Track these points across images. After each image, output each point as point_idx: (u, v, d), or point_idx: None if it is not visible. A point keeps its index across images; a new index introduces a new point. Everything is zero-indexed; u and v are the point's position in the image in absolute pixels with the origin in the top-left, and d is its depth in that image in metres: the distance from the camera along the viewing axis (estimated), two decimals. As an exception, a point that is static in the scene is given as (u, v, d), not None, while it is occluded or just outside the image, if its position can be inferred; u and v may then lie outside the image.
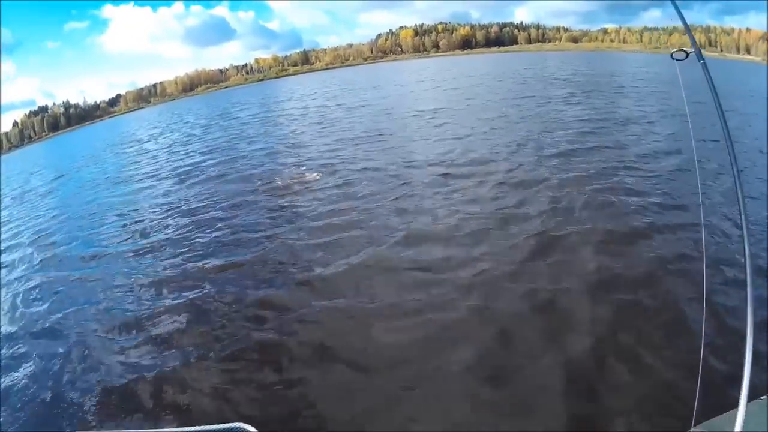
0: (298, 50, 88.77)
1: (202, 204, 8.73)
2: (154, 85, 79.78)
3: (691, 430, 1.77)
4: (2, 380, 4.25)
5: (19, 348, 4.81)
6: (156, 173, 13.07)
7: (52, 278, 6.57)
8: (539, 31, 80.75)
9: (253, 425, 2.01)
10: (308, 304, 4.57)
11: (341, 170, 9.41)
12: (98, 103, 75.43)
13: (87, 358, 4.34)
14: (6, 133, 65.18)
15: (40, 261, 7.52)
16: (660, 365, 3.24)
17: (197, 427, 2.10)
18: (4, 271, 7.55)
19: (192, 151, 15.52)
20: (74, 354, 4.45)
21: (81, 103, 73.25)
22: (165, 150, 17.65)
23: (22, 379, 4.23)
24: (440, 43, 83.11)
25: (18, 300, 6.09)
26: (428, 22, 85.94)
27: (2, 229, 10.63)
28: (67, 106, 71.27)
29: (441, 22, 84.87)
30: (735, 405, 1.38)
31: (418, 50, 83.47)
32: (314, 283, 5.01)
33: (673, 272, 4.43)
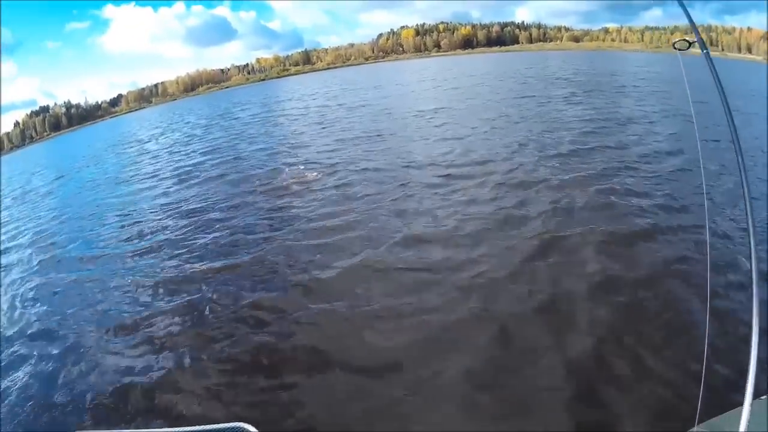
0: (299, 50, 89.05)
1: (202, 205, 8.72)
2: (156, 85, 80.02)
3: (693, 429, 1.76)
4: (1, 381, 4.25)
5: (18, 349, 4.81)
6: (156, 174, 13.08)
7: (51, 279, 6.57)
8: (540, 30, 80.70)
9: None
10: (306, 307, 4.55)
11: (341, 171, 9.38)
12: (100, 103, 75.73)
13: (85, 359, 4.34)
14: (8, 133, 65.39)
15: (39, 262, 7.53)
16: (662, 366, 3.22)
17: (197, 427, 2.09)
18: (3, 271, 7.55)
19: (192, 152, 15.53)
20: (73, 355, 4.45)
21: (82, 103, 73.52)
22: (166, 150, 17.67)
23: (22, 379, 4.23)
24: (441, 43, 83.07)
25: (17, 301, 6.09)
26: (429, 21, 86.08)
27: (3, 230, 10.64)
28: (68, 106, 71.53)
29: (442, 22, 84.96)
30: (736, 405, 1.36)
31: (420, 50, 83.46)
32: (312, 285, 4.98)
33: (675, 273, 4.41)
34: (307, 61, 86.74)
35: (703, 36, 1.96)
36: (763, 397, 1.73)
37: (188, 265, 5.96)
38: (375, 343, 3.88)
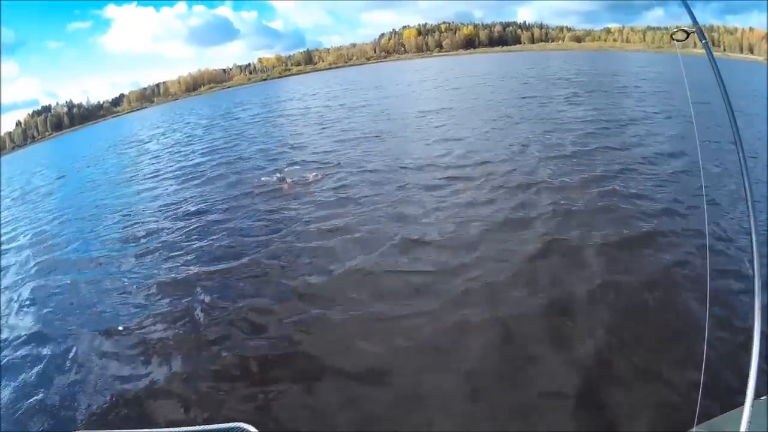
0: (301, 50, 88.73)
1: (200, 206, 8.71)
2: (157, 85, 79.96)
3: (693, 429, 1.78)
4: (1, 381, 4.24)
5: (17, 350, 4.81)
6: (156, 174, 13.09)
7: (49, 281, 6.57)
8: (542, 30, 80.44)
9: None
10: (301, 311, 4.52)
11: (340, 172, 9.36)
12: (101, 102, 75.71)
13: (82, 362, 4.33)
14: (9, 133, 65.54)
15: (38, 264, 7.52)
16: (662, 367, 3.22)
17: (197, 427, 2.11)
18: (3, 272, 7.55)
19: (192, 152, 15.54)
20: (71, 357, 4.45)
21: (84, 103, 73.62)
22: (167, 150, 17.70)
23: (21, 380, 4.23)
24: (443, 43, 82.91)
25: (15, 303, 6.09)
26: (431, 21, 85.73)
27: (3, 230, 10.64)
28: (70, 105, 71.58)
29: (444, 22, 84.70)
30: (735, 406, 1.35)
31: (421, 50, 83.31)
32: (308, 289, 4.95)
33: (676, 275, 4.39)
34: (309, 61, 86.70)
35: (705, 36, 1.93)
36: (763, 397, 1.74)
37: (185, 268, 5.95)
38: (375, 345, 3.85)
